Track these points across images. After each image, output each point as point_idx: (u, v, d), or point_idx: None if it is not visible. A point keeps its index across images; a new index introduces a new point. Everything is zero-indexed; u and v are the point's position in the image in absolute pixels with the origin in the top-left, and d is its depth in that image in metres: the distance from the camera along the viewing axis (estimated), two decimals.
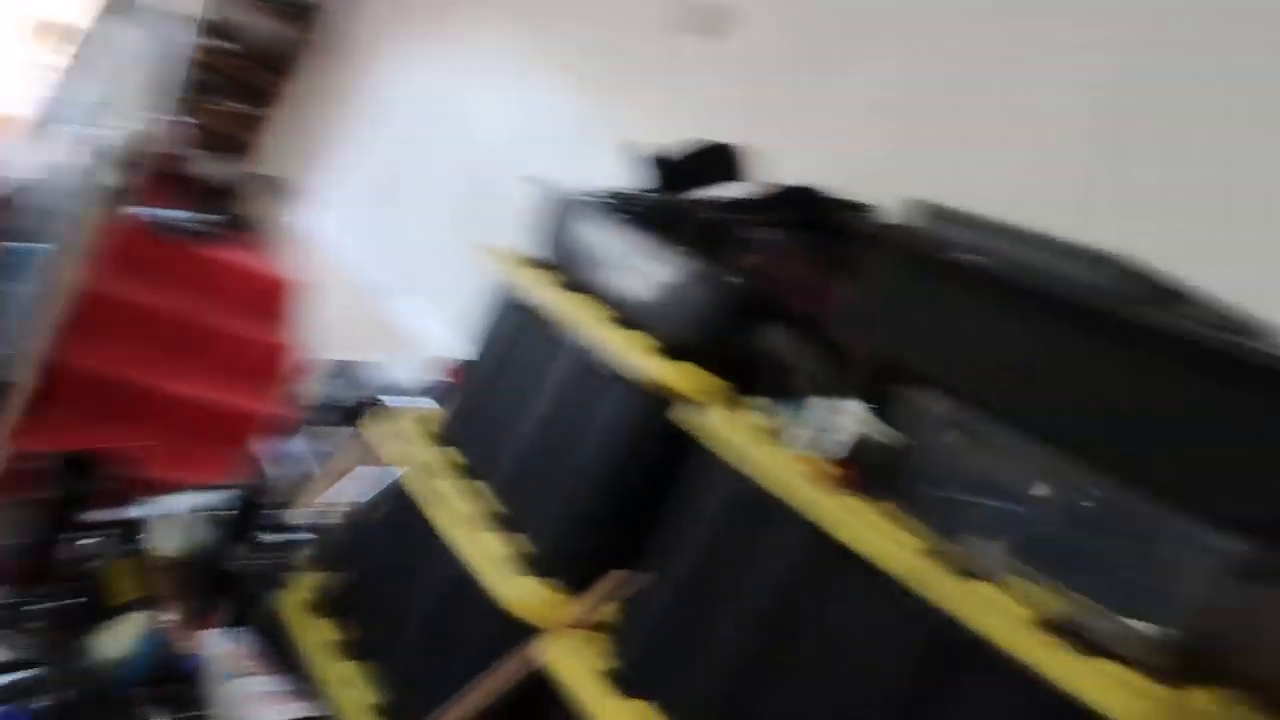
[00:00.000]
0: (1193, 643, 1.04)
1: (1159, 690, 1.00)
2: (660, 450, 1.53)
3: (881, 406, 1.33)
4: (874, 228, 1.53)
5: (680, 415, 1.50)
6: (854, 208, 1.72)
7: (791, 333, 1.53)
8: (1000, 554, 1.17)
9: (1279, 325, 1.23)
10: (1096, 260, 1.19)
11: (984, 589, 1.12)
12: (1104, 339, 1.14)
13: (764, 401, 1.48)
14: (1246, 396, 1.02)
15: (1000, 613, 1.09)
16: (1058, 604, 1.09)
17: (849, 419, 1.32)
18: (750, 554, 1.34)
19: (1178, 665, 1.03)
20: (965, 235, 1.30)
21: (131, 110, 2.60)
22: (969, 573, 1.15)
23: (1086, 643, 1.04)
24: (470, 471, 1.86)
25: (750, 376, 1.52)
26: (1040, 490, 1.18)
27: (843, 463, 1.31)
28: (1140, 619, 1.07)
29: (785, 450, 1.36)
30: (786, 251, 1.62)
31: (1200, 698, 1.05)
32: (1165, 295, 1.18)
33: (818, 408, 1.38)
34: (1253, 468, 1.01)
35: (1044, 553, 1.16)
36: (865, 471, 1.30)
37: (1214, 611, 1.05)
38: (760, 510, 1.33)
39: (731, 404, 1.51)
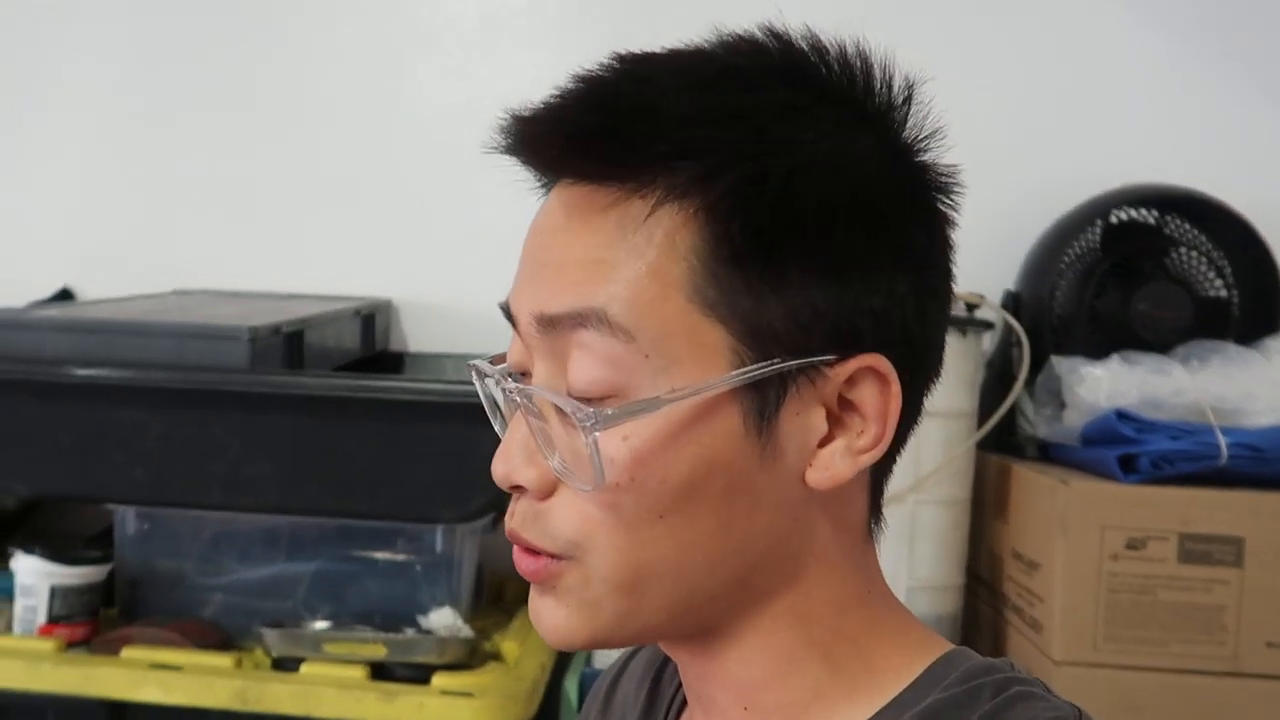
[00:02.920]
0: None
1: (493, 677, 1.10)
2: None
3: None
4: None
5: None
6: None
7: None
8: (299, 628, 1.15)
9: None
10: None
11: (307, 671, 1.07)
12: (242, 408, 1.10)
13: None
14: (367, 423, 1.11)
15: (335, 688, 1.05)
16: (372, 647, 1.10)
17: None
18: None
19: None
20: (49, 342, 1.14)
21: None
22: (283, 664, 1.09)
23: (415, 668, 1.08)
24: None
25: None
26: (284, 555, 1.21)
27: (57, 624, 1.12)
28: (438, 619, 1.18)
29: None
30: None
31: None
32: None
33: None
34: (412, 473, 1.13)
35: (329, 604, 1.20)
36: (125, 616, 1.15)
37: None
38: None
39: None
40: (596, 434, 0.44)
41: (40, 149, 1.63)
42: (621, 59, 0.47)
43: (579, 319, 0.45)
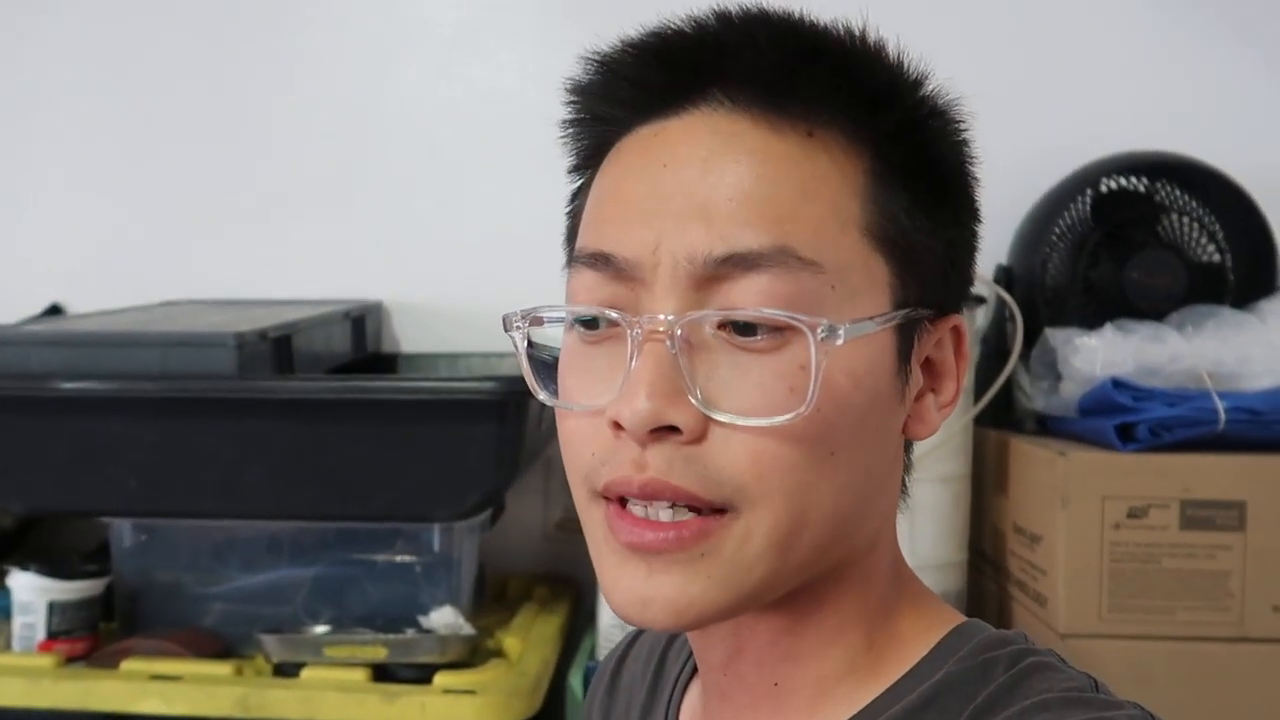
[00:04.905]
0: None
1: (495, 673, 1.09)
2: None
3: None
4: None
5: None
6: None
7: None
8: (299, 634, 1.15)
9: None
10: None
11: (308, 676, 1.06)
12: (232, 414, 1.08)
13: None
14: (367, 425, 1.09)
15: (336, 691, 1.04)
16: (373, 649, 1.09)
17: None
18: None
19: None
20: (36, 357, 1.12)
21: None
22: (284, 669, 1.09)
23: (417, 668, 1.07)
24: None
25: None
26: (283, 561, 1.20)
27: (56, 639, 1.12)
28: (439, 619, 1.17)
29: None
30: None
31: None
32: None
33: None
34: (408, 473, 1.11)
35: (329, 608, 1.20)
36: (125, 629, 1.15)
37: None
38: None
39: None
40: (835, 343, 0.41)
41: (24, 167, 1.62)
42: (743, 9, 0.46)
43: (757, 257, 0.42)
